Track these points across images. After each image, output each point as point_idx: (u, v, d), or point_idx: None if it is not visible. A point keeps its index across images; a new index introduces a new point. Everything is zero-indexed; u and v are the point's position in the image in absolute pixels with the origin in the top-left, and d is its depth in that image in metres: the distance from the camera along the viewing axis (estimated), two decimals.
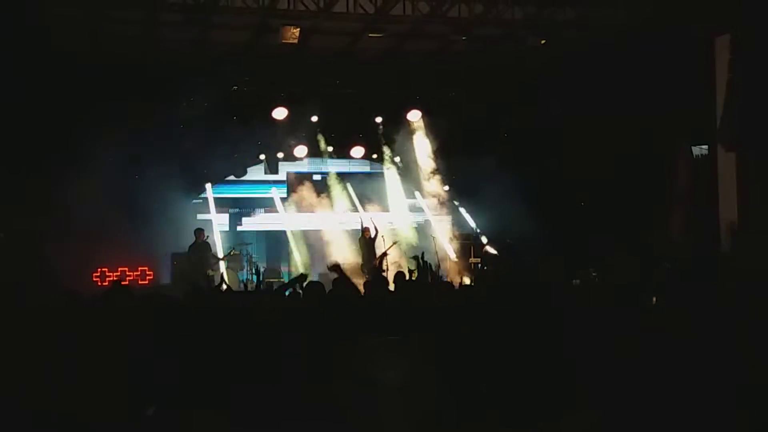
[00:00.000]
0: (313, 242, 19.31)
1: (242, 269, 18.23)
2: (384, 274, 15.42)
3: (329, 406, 4.46)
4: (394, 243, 17.69)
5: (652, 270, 11.36)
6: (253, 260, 18.46)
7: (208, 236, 17.23)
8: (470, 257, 19.13)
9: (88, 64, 16.38)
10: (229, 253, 17.60)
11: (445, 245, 19.54)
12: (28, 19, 13.50)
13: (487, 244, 19.18)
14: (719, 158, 16.41)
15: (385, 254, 17.33)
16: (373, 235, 17.75)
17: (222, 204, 20.06)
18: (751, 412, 4.58)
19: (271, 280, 17.57)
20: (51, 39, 15.16)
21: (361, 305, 7.02)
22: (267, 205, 20.60)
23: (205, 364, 4.78)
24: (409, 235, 19.53)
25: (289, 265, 19.47)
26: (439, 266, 16.14)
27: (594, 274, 14.88)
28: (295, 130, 19.54)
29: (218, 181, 19.81)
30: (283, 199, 20.41)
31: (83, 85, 15.87)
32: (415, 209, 20.85)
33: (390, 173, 20.55)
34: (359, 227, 18.19)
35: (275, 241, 20.30)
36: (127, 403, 4.52)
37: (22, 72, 14.06)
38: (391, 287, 9.12)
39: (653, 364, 5.02)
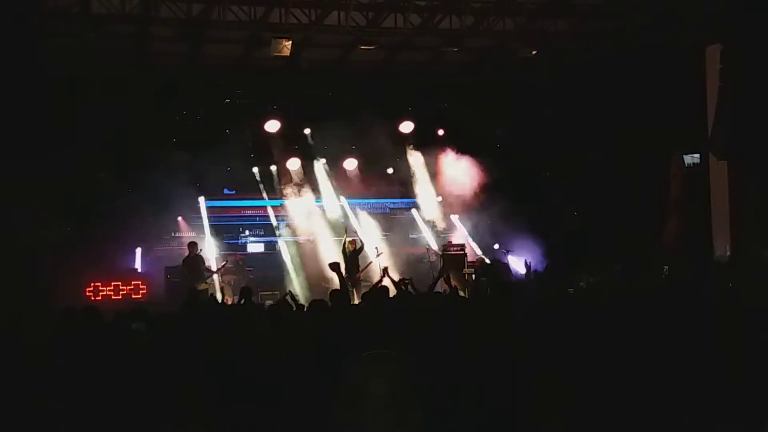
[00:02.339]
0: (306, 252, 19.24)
1: (235, 283, 18.10)
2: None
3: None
4: (380, 254, 17.53)
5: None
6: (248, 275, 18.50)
7: (201, 249, 17.18)
8: (464, 268, 19.09)
9: (82, 79, 16.38)
10: (222, 266, 17.54)
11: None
12: (23, 32, 13.48)
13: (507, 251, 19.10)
14: (711, 166, 16.48)
15: (367, 266, 17.33)
16: (357, 247, 17.69)
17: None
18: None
19: (266, 293, 17.51)
20: (45, 53, 15.15)
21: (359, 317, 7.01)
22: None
23: (194, 380, 4.76)
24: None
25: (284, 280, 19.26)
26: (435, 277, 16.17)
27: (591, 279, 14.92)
28: (288, 142, 19.58)
29: (211, 194, 19.76)
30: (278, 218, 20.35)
31: (77, 98, 15.84)
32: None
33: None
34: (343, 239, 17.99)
35: (269, 254, 20.17)
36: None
37: (20, 84, 14.03)
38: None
39: (650, 364, 5.04)
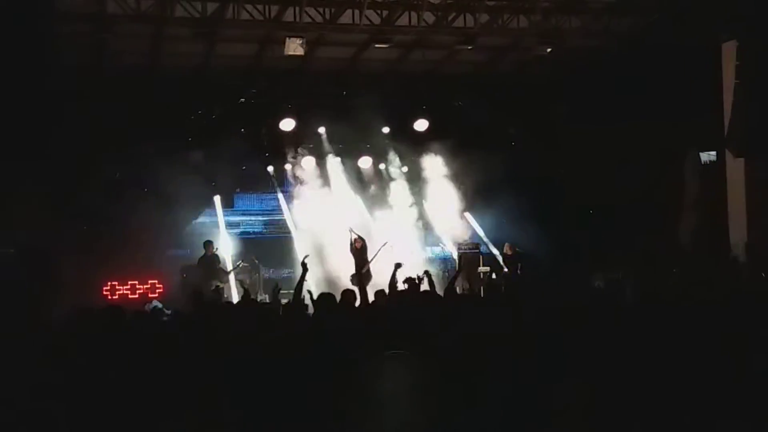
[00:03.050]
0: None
1: (252, 282, 18.07)
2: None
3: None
4: (384, 244, 17.48)
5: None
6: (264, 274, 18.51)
7: (217, 248, 17.23)
8: (479, 266, 19.08)
9: (96, 79, 16.48)
10: (237, 265, 17.58)
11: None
12: (39, 34, 13.57)
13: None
14: (728, 164, 16.37)
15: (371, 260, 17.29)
16: (361, 245, 17.58)
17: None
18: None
19: (282, 291, 17.46)
20: (59, 54, 15.25)
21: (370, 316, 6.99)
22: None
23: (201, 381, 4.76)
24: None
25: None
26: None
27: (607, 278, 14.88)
28: (303, 141, 19.61)
29: (227, 193, 19.81)
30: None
31: (90, 99, 15.92)
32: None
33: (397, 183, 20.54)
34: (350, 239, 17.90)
35: (281, 248, 20.04)
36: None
37: (34, 86, 14.14)
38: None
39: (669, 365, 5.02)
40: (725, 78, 16.05)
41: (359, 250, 17.60)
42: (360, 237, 17.77)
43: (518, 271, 17.69)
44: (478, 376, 4.93)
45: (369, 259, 17.43)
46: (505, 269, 18.34)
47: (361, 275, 16.62)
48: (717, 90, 16.17)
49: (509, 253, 18.17)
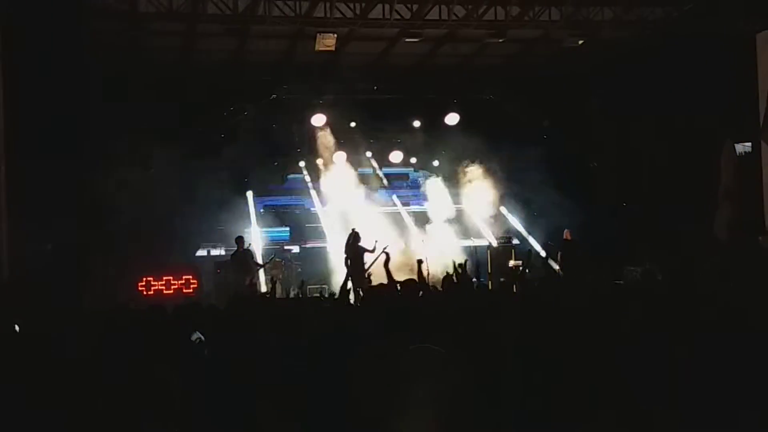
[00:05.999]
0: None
1: (284, 277, 18.14)
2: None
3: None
4: (383, 250, 15.64)
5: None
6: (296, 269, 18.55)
7: (249, 244, 17.33)
8: (511, 259, 19.03)
9: (128, 76, 16.62)
10: (270, 260, 17.67)
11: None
12: (71, 31, 13.71)
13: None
14: (763, 155, 16.20)
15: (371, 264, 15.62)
16: (360, 242, 16.11)
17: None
18: None
19: (314, 286, 17.55)
20: (92, 52, 15.40)
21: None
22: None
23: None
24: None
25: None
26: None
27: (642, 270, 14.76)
28: (334, 136, 19.68)
29: (259, 189, 19.92)
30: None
31: (123, 96, 16.07)
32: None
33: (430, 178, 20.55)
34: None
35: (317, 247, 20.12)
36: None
37: (67, 84, 14.28)
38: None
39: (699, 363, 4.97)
40: (760, 68, 15.87)
41: (357, 250, 16.14)
42: (357, 233, 16.39)
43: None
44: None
45: (367, 266, 15.83)
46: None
47: (358, 280, 14.74)
48: (752, 80, 15.99)
49: (569, 238, 17.97)
